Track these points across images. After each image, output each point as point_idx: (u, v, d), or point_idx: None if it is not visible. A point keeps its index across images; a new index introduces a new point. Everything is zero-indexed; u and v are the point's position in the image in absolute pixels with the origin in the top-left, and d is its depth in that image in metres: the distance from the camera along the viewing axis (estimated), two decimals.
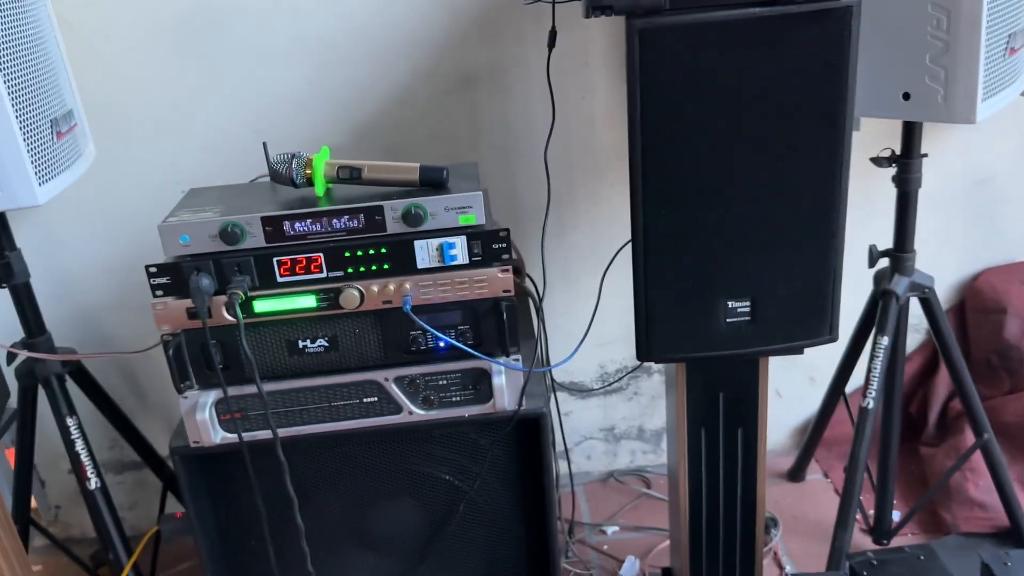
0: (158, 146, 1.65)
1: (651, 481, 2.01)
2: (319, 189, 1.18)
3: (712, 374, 1.34)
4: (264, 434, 1.19)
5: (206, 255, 1.13)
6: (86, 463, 1.52)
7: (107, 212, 1.68)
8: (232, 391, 1.17)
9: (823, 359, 1.83)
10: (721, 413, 1.37)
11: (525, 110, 1.66)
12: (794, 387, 1.95)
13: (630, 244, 1.19)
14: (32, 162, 1.26)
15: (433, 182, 1.17)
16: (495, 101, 1.65)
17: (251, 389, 1.18)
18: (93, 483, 1.52)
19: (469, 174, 1.24)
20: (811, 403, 1.92)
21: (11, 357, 1.49)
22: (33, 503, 1.94)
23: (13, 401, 1.61)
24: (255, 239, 1.13)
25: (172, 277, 1.13)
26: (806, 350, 1.26)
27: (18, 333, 1.49)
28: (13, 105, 1.22)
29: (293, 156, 1.18)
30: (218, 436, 1.20)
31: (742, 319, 1.22)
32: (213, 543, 1.31)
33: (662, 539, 1.81)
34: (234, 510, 1.30)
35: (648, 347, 1.25)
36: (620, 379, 1.92)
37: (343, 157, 1.24)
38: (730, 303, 1.21)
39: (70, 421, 1.51)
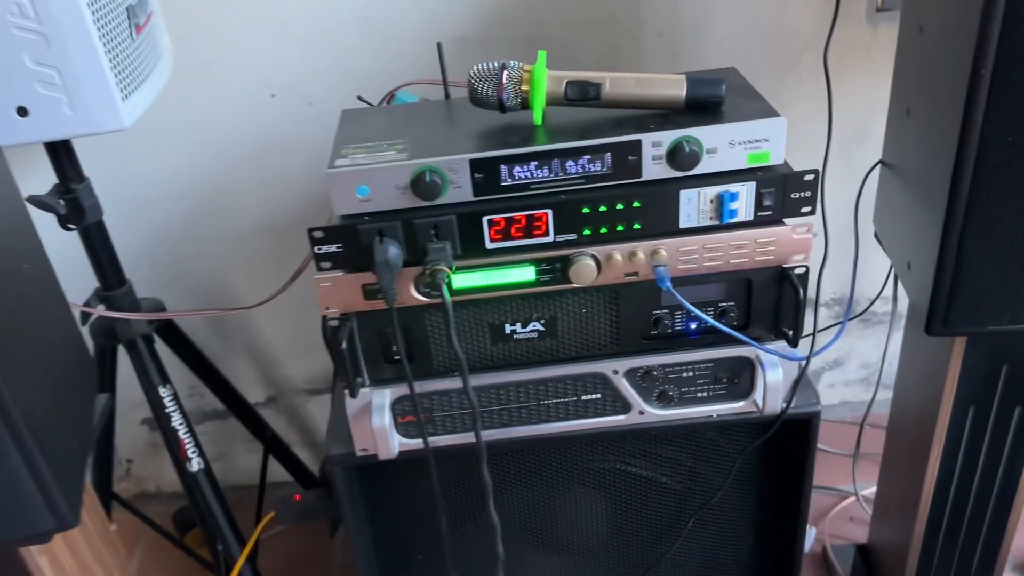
0: (244, 43, 1.27)
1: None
2: (537, 115, 0.83)
3: (1000, 344, 1.04)
4: (447, 439, 0.90)
5: (393, 212, 0.79)
6: (185, 441, 1.22)
7: (185, 127, 1.33)
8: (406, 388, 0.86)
9: None
10: (999, 388, 1.08)
11: None
12: None
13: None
14: (112, 68, 0.91)
15: (707, 102, 0.81)
16: None
17: (435, 385, 0.87)
18: (195, 464, 1.23)
19: (742, 89, 0.88)
20: None
21: (85, 316, 1.18)
22: None
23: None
24: (460, 191, 0.79)
25: (345, 244, 0.80)
26: None
27: (92, 283, 1.17)
28: None
29: (503, 67, 0.81)
30: (396, 444, 0.90)
31: None
32: (369, 556, 1.04)
33: (838, 500, 1.56)
34: (394, 520, 1.03)
35: (947, 316, 0.94)
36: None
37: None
38: None
39: (163, 391, 1.21)
